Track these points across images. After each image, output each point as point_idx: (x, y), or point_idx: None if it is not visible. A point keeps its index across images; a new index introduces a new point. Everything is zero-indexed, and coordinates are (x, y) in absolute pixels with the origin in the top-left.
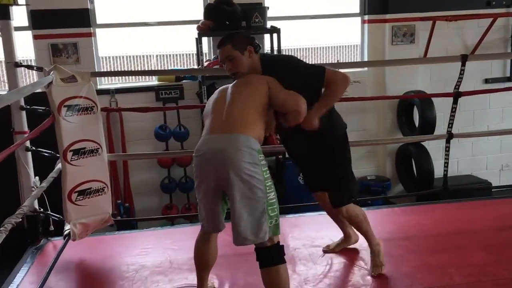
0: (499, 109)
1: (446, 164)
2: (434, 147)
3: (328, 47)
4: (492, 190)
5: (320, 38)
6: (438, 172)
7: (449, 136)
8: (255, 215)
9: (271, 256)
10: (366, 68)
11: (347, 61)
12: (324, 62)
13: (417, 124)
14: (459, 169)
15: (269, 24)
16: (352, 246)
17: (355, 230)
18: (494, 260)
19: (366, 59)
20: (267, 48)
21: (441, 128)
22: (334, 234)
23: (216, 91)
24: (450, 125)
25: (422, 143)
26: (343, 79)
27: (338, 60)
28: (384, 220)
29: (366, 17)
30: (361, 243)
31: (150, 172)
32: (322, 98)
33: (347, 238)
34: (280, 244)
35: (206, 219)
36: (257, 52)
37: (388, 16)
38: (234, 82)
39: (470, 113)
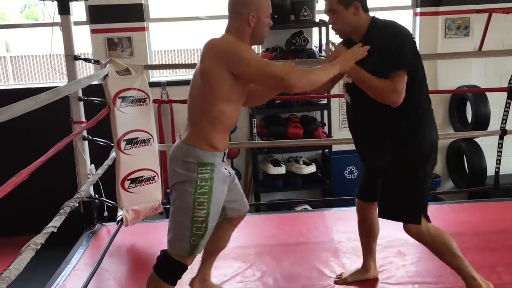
0: None
1: (498, 161)
2: (487, 144)
3: None
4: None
5: None
6: (491, 169)
7: (503, 132)
8: (176, 227)
9: (164, 266)
10: None
11: None
12: None
13: (469, 119)
14: None
15: (317, 17)
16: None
17: (376, 265)
18: None
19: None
20: (315, 42)
21: (495, 124)
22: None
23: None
24: (504, 121)
25: (475, 139)
26: (392, 97)
27: None
28: (433, 217)
29: (418, 10)
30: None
31: None
32: (368, 75)
33: (365, 270)
34: (185, 267)
35: None
36: (366, 11)
37: (441, 9)
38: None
39: None
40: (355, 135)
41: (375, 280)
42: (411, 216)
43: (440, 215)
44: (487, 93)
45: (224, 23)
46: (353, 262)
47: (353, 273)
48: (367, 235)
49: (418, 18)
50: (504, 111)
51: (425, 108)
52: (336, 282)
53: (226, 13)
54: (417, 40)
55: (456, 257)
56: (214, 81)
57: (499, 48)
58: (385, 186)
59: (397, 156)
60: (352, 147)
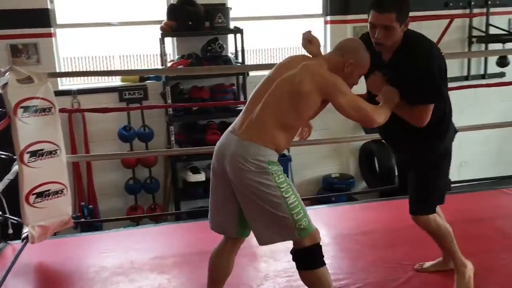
0: (458, 107)
1: None
2: None
3: (293, 48)
4: (451, 185)
5: (285, 39)
6: None
7: None
8: (275, 222)
9: (304, 260)
10: None
11: None
12: None
13: None
14: None
15: (232, 24)
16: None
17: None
18: None
19: None
20: (231, 48)
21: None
22: None
23: (274, 68)
24: None
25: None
26: (419, 123)
27: None
28: (344, 217)
29: (328, 18)
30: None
31: (115, 173)
32: (402, 106)
33: (446, 260)
34: (318, 244)
35: (209, 212)
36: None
37: (349, 17)
38: (282, 66)
39: None
40: (387, 139)
41: None
42: (431, 208)
43: (352, 215)
44: None
45: (136, 29)
46: (270, 265)
47: (434, 264)
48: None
49: (328, 26)
50: None
51: (449, 114)
52: (417, 270)
53: (138, 19)
54: (328, 47)
55: (454, 243)
56: (307, 100)
57: None
58: (417, 182)
59: (427, 154)
60: None
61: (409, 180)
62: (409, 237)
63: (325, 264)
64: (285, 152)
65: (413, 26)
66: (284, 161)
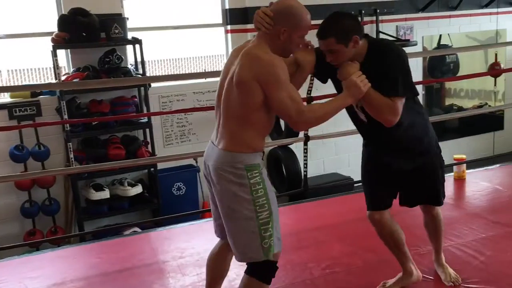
0: None
1: (305, 165)
2: (301, 149)
3: (195, 58)
4: (354, 185)
5: (186, 49)
6: (310, 172)
7: (306, 138)
8: (244, 236)
9: (256, 268)
10: None
11: (212, 70)
12: (191, 72)
13: (283, 127)
14: (325, 168)
15: (130, 35)
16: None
17: (416, 267)
18: (350, 251)
19: None
20: (130, 59)
21: (311, 130)
22: (203, 242)
23: (228, 58)
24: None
25: (290, 146)
26: (392, 119)
27: (205, 69)
28: None
29: (228, 27)
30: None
31: (8, 196)
32: (375, 95)
33: (408, 274)
34: (275, 265)
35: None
36: (363, 37)
37: (249, 26)
38: (227, 64)
39: None
40: (375, 144)
41: None
42: (443, 198)
43: None
44: None
45: (26, 41)
46: (177, 280)
47: (396, 281)
48: (395, 242)
49: (229, 35)
50: None
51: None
52: None
53: (27, 30)
54: None
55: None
56: (250, 91)
57: None
58: (424, 179)
59: (424, 153)
60: (178, 163)
61: (414, 182)
62: (316, 238)
63: (269, 284)
64: (193, 162)
65: (311, 34)
66: (193, 171)
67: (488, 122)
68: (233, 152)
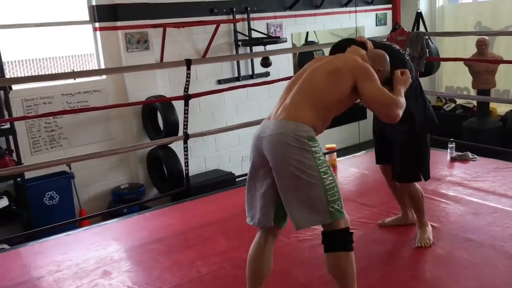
0: (233, 106)
1: (186, 164)
2: (182, 148)
3: (61, 57)
4: (236, 180)
5: (52, 48)
6: (192, 170)
7: (186, 137)
8: (310, 201)
9: (333, 242)
10: (104, 77)
11: (82, 70)
12: (59, 72)
13: (162, 127)
14: (207, 165)
15: None
16: None
17: (413, 211)
18: (235, 245)
19: (103, 67)
20: None
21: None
22: (82, 253)
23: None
24: (185, 126)
25: (170, 145)
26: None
27: (73, 69)
28: (136, 228)
29: (97, 25)
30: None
31: None
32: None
33: (405, 217)
34: (348, 230)
35: (246, 208)
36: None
37: (119, 24)
38: (313, 61)
39: (209, 112)
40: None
41: None
42: (412, 178)
43: (144, 225)
44: (173, 102)
45: None
46: None
47: (394, 219)
48: (398, 190)
49: (98, 33)
50: (184, 117)
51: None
52: (380, 225)
53: None
54: (100, 55)
55: (423, 206)
56: (342, 77)
57: (177, 59)
58: (403, 154)
59: (409, 129)
60: (49, 171)
61: (399, 151)
62: (202, 236)
63: (353, 250)
64: (67, 168)
65: (186, 31)
66: (66, 178)
67: (353, 112)
68: (297, 122)
